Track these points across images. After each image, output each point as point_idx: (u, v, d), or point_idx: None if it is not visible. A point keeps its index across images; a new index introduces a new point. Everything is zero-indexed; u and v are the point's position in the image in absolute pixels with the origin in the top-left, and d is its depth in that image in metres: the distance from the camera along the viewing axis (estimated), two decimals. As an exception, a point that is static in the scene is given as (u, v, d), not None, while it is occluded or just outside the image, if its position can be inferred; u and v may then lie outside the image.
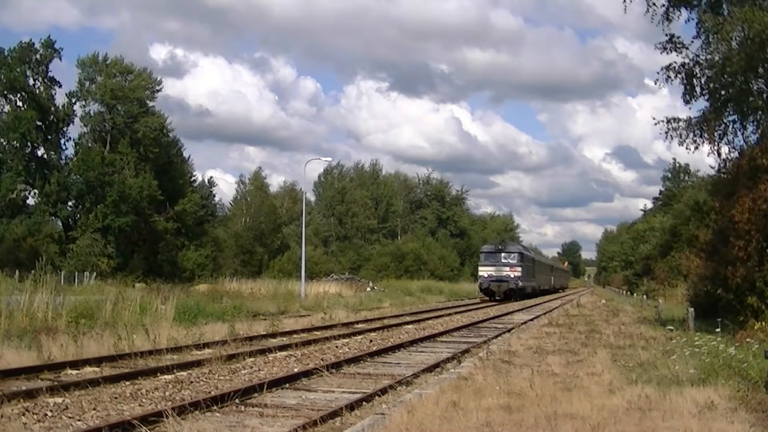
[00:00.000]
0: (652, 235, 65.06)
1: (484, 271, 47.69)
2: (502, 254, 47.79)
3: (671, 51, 20.35)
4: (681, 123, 20.69)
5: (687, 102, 20.77)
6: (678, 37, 20.38)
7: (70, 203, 58.44)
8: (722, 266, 19.57)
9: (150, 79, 62.23)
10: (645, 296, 44.99)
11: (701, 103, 21.29)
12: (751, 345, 12.41)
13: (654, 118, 21.36)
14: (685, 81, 20.47)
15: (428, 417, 7.45)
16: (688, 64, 20.30)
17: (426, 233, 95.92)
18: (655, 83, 21.07)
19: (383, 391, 10.07)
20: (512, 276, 46.48)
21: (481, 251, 51.26)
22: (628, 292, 65.05)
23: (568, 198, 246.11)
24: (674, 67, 20.46)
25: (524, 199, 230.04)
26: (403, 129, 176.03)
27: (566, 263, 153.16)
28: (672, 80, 20.56)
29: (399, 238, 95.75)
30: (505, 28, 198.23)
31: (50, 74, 58.62)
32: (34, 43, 57.63)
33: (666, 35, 20.38)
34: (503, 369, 11.30)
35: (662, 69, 20.69)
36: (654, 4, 20.28)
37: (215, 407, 8.71)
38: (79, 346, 13.15)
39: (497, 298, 45.90)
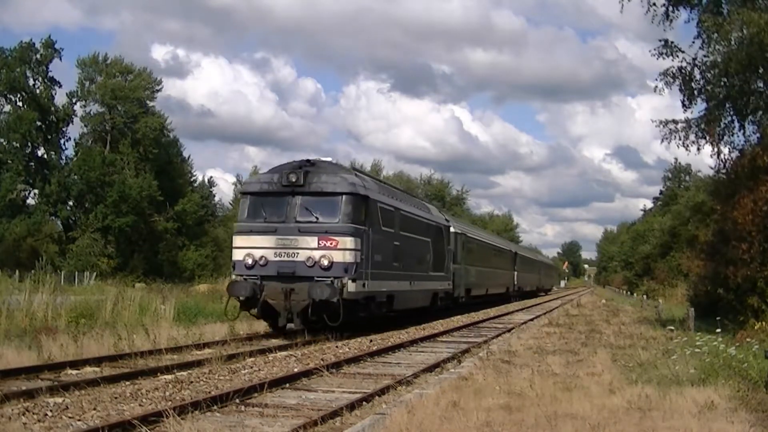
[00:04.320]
0: (651, 236, 65.05)
1: (247, 252, 17.08)
2: (298, 199, 17.14)
3: (667, 56, 20.32)
4: (680, 124, 20.68)
5: (686, 107, 20.76)
6: (673, 42, 20.37)
7: (70, 203, 58.51)
8: (723, 266, 19.59)
9: (150, 79, 62.31)
10: (645, 296, 44.98)
11: (700, 105, 21.25)
12: (751, 345, 12.42)
13: (653, 120, 21.37)
14: (682, 86, 20.45)
15: (428, 417, 7.44)
16: (686, 67, 20.29)
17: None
18: (655, 90, 21.04)
19: (383, 391, 10.06)
20: (326, 264, 16.51)
21: (244, 192, 19.30)
22: (628, 292, 65.04)
23: (568, 198, 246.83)
24: (672, 72, 20.45)
25: (525, 199, 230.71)
26: (403, 129, 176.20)
27: (566, 263, 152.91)
28: (671, 85, 20.55)
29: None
30: (507, 29, 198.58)
31: (50, 74, 58.77)
32: (34, 43, 57.78)
33: (660, 40, 20.37)
34: (503, 369, 11.30)
35: (660, 74, 20.70)
36: (654, 4, 20.26)
37: (215, 407, 8.70)
38: (79, 346, 13.14)
39: (284, 325, 17.02)
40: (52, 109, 58.32)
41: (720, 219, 21.96)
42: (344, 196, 17.10)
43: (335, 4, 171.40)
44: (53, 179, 55.66)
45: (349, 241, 16.79)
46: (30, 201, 58.18)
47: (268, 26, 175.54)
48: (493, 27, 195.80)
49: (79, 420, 7.92)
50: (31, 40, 58.09)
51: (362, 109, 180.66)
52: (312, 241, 16.73)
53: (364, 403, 9.24)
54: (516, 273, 46.17)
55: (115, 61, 61.04)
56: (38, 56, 57.52)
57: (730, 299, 19.18)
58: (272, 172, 18.21)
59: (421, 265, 23.00)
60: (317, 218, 16.99)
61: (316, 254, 16.59)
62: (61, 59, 59.32)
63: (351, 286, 16.60)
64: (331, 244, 16.65)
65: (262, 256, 16.92)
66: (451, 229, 28.22)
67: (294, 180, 17.12)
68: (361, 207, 17.47)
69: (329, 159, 19.45)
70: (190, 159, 70.84)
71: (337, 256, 16.58)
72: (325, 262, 16.49)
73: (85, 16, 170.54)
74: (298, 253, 16.70)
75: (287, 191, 17.21)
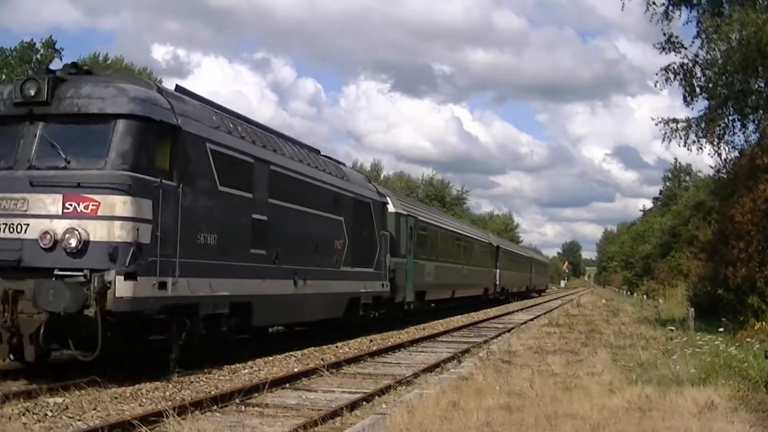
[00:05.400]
0: (651, 236, 65.09)
1: None
2: (38, 128, 9.75)
3: (670, 51, 20.31)
4: (681, 124, 20.69)
5: (687, 103, 20.75)
6: (677, 37, 20.35)
7: (70, 203, 58.53)
8: (722, 266, 19.63)
9: (150, 79, 62.38)
10: (645, 296, 44.98)
11: (701, 103, 21.30)
12: (751, 345, 12.43)
13: (653, 119, 21.35)
14: (684, 82, 20.44)
15: (428, 417, 7.44)
16: (687, 64, 20.29)
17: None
18: (655, 85, 21.04)
19: (383, 391, 10.07)
20: (75, 244, 9.18)
21: None
22: (628, 292, 65.06)
23: (568, 198, 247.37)
24: (673, 68, 20.44)
25: (525, 199, 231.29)
26: (404, 129, 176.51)
27: (566, 263, 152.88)
28: (671, 81, 20.52)
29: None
30: (508, 29, 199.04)
31: (50, 74, 58.80)
32: (35, 43, 57.81)
33: (665, 35, 20.35)
34: (503, 369, 11.30)
35: (661, 70, 20.68)
36: (654, 3, 20.26)
37: (215, 407, 8.70)
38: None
39: (15, 358, 9.84)
40: (53, 109, 58.41)
41: (720, 219, 21.99)
42: (120, 121, 9.74)
43: (336, 4, 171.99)
44: (53, 179, 55.73)
45: (121, 203, 9.49)
46: (30, 201, 58.27)
47: (269, 26, 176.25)
48: (494, 27, 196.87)
49: (79, 420, 7.92)
50: (31, 40, 58.13)
51: (362, 109, 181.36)
52: (53, 202, 9.47)
53: (364, 403, 9.25)
54: (498, 271, 39.07)
55: (115, 61, 61.08)
56: (39, 56, 57.54)
57: (730, 299, 19.19)
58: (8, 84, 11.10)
59: (322, 255, 15.61)
60: (68, 162, 9.68)
61: (59, 226, 9.37)
62: (61, 59, 59.23)
63: (123, 287, 9.34)
64: (85, 207, 9.42)
65: None
66: (390, 208, 20.91)
67: (33, 94, 9.78)
68: (159, 143, 10.17)
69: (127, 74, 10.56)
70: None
71: (98, 231, 9.37)
72: (73, 242, 9.30)
73: (85, 16, 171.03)
74: (27, 225, 9.45)
75: (21, 114, 9.92)
